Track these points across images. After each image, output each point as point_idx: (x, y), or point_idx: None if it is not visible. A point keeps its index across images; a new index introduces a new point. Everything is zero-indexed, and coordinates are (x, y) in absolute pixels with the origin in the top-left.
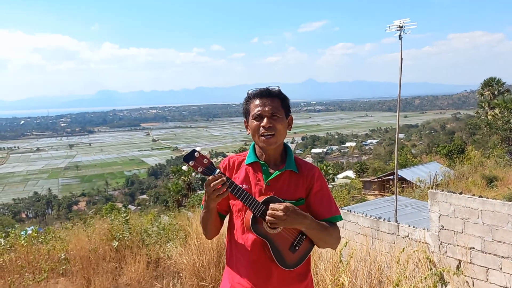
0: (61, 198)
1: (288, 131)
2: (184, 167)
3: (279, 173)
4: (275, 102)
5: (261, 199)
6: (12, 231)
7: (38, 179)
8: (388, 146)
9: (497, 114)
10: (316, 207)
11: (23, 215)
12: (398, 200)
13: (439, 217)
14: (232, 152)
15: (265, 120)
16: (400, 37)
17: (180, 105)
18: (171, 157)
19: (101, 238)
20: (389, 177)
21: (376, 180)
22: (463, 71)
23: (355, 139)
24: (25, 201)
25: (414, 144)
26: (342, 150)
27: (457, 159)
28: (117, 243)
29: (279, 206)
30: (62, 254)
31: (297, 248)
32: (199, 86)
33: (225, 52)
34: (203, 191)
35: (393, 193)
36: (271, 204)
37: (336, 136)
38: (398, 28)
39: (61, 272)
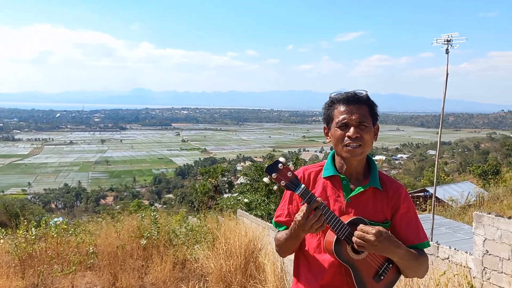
0: (89, 191)
1: (374, 141)
2: (266, 179)
3: (362, 189)
4: (363, 109)
5: (346, 219)
6: (43, 221)
7: (69, 171)
8: (419, 162)
9: None
10: (403, 232)
11: (53, 205)
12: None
13: (483, 241)
14: (260, 157)
15: (352, 129)
16: (447, 51)
17: (211, 108)
18: (199, 158)
19: (129, 235)
20: (419, 194)
21: None
22: (501, 90)
23: (385, 153)
24: (56, 192)
25: (446, 162)
26: None
27: (491, 180)
28: (145, 241)
29: (371, 229)
30: (91, 248)
31: (382, 277)
32: (231, 89)
33: (259, 57)
34: (230, 194)
35: (423, 211)
36: (361, 225)
37: None
38: (446, 42)
39: (88, 266)
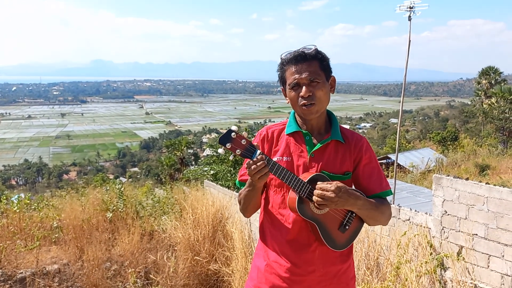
0: (51, 166)
1: (331, 94)
2: (220, 150)
3: (324, 143)
4: (313, 65)
5: (306, 176)
6: (4, 197)
7: (29, 147)
8: (382, 130)
9: (493, 103)
10: (365, 182)
11: (13, 182)
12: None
13: (442, 202)
14: (226, 129)
15: (303, 89)
16: (409, 18)
17: (175, 79)
18: (164, 131)
19: (95, 208)
20: (382, 161)
21: None
22: (460, 59)
23: (349, 122)
24: (16, 168)
25: (407, 129)
26: None
27: (450, 146)
28: (111, 214)
29: (329, 186)
30: (55, 222)
31: (346, 227)
32: (196, 60)
33: (223, 26)
34: (197, 166)
35: (386, 177)
36: (319, 183)
37: None
38: (408, 9)
39: (53, 240)
